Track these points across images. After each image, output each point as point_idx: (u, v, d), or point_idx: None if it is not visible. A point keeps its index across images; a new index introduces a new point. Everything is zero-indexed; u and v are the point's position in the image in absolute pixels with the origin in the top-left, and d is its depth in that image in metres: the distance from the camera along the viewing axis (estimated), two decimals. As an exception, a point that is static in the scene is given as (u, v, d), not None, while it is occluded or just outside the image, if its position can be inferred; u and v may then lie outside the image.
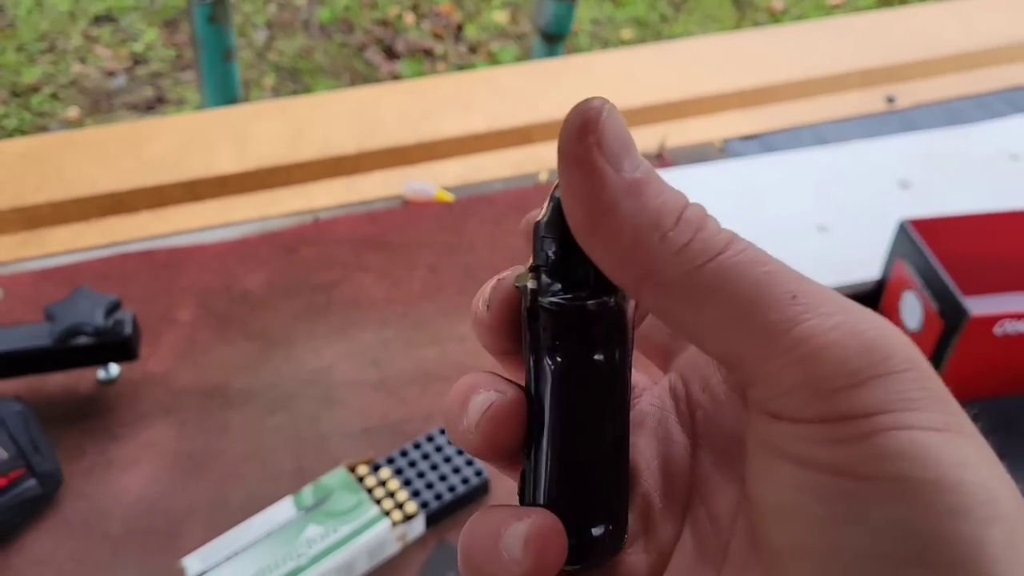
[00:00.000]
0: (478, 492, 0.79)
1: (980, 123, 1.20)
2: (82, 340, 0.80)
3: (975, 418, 0.25)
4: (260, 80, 2.71)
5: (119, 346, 0.81)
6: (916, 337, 0.88)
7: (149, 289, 0.95)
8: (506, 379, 0.29)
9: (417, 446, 0.80)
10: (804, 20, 3.03)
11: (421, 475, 0.78)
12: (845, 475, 0.23)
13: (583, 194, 0.25)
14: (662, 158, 1.13)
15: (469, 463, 0.79)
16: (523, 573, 0.26)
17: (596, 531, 0.28)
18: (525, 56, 2.83)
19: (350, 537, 0.72)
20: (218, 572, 0.70)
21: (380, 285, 0.96)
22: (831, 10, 3.12)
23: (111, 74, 2.71)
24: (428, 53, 2.88)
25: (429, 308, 0.95)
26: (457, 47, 2.92)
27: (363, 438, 0.83)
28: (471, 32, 2.97)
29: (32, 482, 0.75)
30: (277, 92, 2.68)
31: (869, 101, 1.24)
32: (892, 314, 0.92)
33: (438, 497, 0.76)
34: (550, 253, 0.27)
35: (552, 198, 0.27)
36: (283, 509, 0.74)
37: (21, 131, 2.48)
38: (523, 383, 0.29)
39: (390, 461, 0.79)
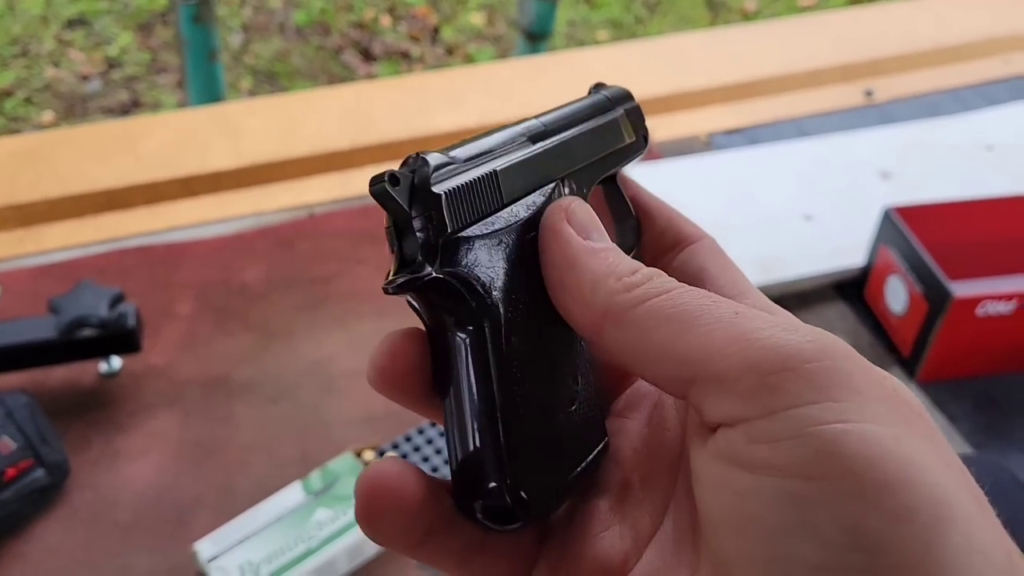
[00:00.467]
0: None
1: (956, 115, 1.24)
2: (87, 332, 0.81)
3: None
4: (237, 83, 2.71)
5: (123, 338, 0.82)
6: (901, 320, 0.90)
7: (148, 284, 0.96)
8: (415, 330, 0.31)
9: (421, 431, 0.81)
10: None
11: (426, 459, 0.79)
12: (795, 476, 0.23)
13: (554, 252, 0.31)
14: (649, 151, 1.15)
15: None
16: (358, 510, 0.28)
17: (491, 486, 0.29)
18: (502, 57, 2.85)
19: (359, 520, 0.73)
20: (230, 555, 0.71)
21: (378, 277, 0.98)
22: (803, 12, 3.17)
23: (85, 78, 2.70)
24: (405, 55, 2.89)
25: (426, 299, 0.97)
26: (434, 49, 2.94)
27: (366, 425, 0.85)
28: (448, 34, 2.99)
29: (40, 472, 0.76)
30: (254, 95, 2.68)
31: (848, 95, 1.28)
32: (878, 298, 0.94)
33: (444, 480, 0.78)
34: (393, 248, 0.30)
35: (388, 210, 0.30)
36: (292, 494, 0.75)
37: (-4, 135, 2.47)
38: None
39: (395, 447, 0.80)
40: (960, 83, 1.31)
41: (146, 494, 0.78)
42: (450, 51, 2.94)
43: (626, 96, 0.41)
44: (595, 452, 0.32)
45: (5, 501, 0.73)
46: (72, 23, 2.88)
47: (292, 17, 2.96)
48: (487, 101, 1.18)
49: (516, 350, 0.30)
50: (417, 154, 0.31)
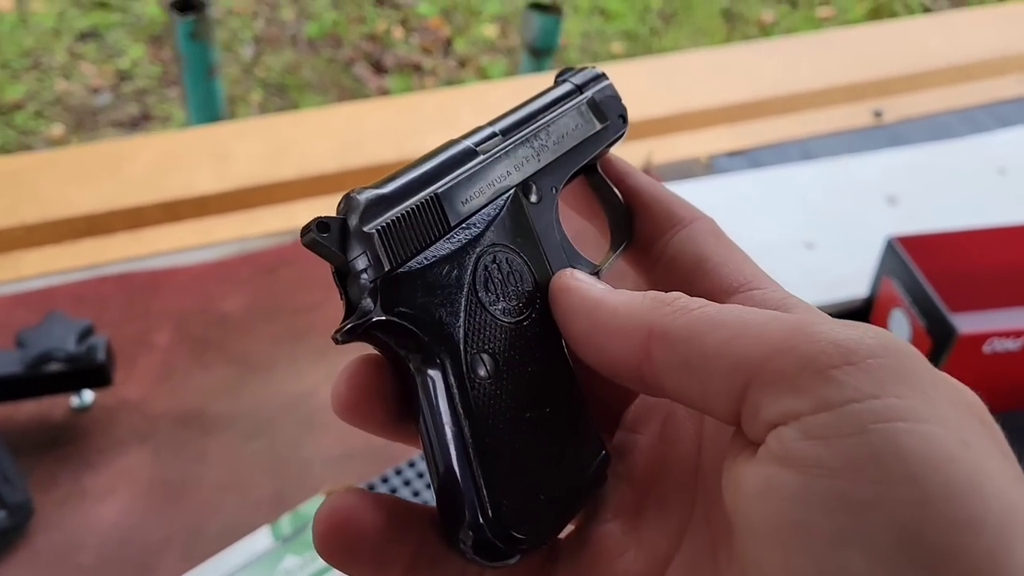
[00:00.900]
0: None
1: (967, 137, 1.20)
2: (54, 367, 0.78)
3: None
4: (247, 96, 2.70)
5: (92, 372, 0.79)
6: (905, 356, 0.86)
7: (126, 312, 0.93)
8: (376, 356, 0.30)
9: (399, 472, 0.78)
10: (794, 33, 3.04)
11: (416, 494, 0.76)
12: (851, 478, 0.21)
13: (573, 302, 0.30)
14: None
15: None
16: (316, 537, 0.28)
17: (471, 522, 0.28)
18: (515, 70, 2.83)
19: (328, 568, 0.70)
20: (192, 606, 0.68)
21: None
22: (821, 23, 3.12)
23: (96, 91, 2.70)
24: (417, 68, 2.87)
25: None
26: (446, 61, 2.92)
27: (345, 463, 0.82)
28: (460, 46, 2.97)
29: (1, 514, 0.73)
30: (264, 108, 2.67)
31: (856, 115, 1.24)
32: (881, 332, 0.90)
33: (419, 525, 0.75)
34: (341, 297, 0.30)
35: (323, 257, 0.30)
36: (260, 539, 0.72)
37: (4, 149, 2.47)
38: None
39: (384, 480, 0.77)
40: (972, 103, 1.26)
41: (112, 536, 0.76)
42: (462, 63, 2.92)
43: (595, 77, 0.39)
44: (592, 469, 0.30)
45: (-38, 545, 0.71)
46: (84, 36, 2.88)
47: (304, 29, 2.95)
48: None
49: (481, 378, 0.29)
50: (347, 194, 0.29)
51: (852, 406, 0.22)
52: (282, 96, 2.73)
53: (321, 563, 0.70)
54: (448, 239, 0.30)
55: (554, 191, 0.35)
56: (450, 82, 2.83)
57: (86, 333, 0.80)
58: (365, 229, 0.28)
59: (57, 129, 2.56)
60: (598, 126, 0.38)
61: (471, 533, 0.28)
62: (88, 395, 0.84)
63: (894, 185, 1.10)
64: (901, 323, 0.87)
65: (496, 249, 0.31)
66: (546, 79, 0.42)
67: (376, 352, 0.30)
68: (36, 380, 0.79)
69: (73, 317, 0.81)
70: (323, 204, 1.07)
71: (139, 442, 0.82)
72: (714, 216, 0.35)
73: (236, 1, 3.03)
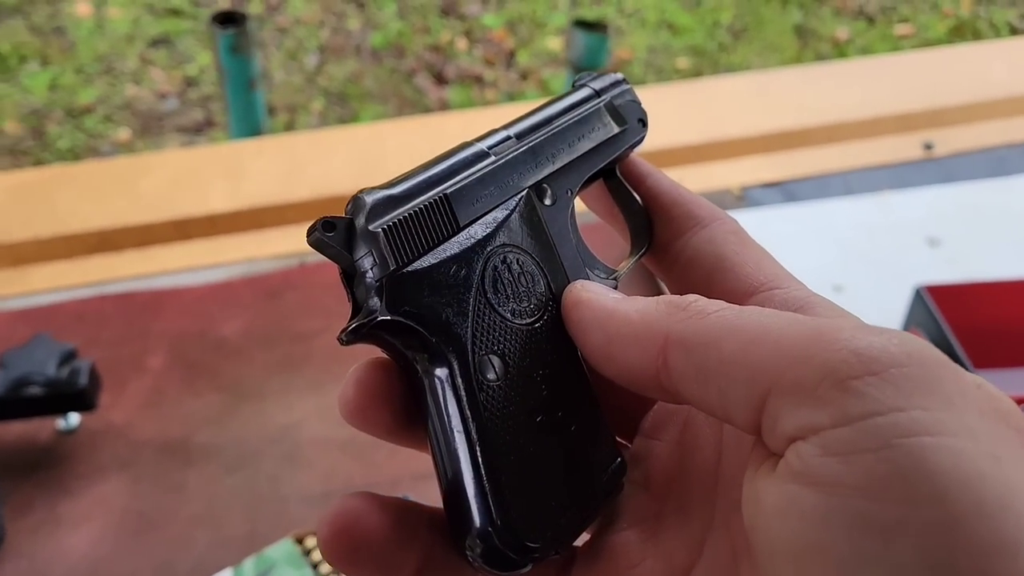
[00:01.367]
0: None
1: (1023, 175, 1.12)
2: (33, 390, 0.77)
3: None
4: (308, 105, 2.72)
5: (74, 397, 0.78)
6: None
7: (124, 333, 0.92)
8: (383, 360, 0.30)
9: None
10: (869, 52, 2.93)
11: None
12: (874, 498, 0.19)
13: (586, 314, 0.29)
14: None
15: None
16: (320, 540, 0.27)
17: (479, 530, 0.27)
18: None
19: (287, 617, 0.68)
20: (143, 649, 0.66)
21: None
22: (898, 41, 3.01)
23: (163, 96, 2.74)
24: (478, 79, 2.85)
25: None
26: (508, 74, 2.90)
27: (324, 502, 0.79)
28: (523, 59, 2.94)
29: (-30, 540, 0.72)
30: (324, 117, 2.68)
31: (905, 147, 1.16)
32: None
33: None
34: (348, 297, 0.29)
35: (329, 257, 0.29)
36: (222, 582, 0.70)
37: (73, 152, 2.52)
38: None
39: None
40: (1034, 137, 1.18)
41: (80, 567, 0.74)
42: (524, 76, 2.89)
43: (616, 82, 0.38)
44: (607, 476, 0.30)
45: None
46: (156, 42, 2.94)
47: (369, 39, 2.96)
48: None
49: (490, 380, 0.29)
50: (356, 194, 0.29)
51: (875, 419, 0.20)
52: (343, 105, 2.74)
53: (283, 610, 0.68)
54: (457, 239, 0.30)
55: (569, 194, 0.35)
56: (511, 94, 2.81)
57: (68, 357, 0.79)
58: (371, 228, 0.28)
59: (124, 133, 2.61)
60: (616, 130, 0.37)
61: (479, 541, 0.27)
62: (74, 418, 0.83)
63: (938, 225, 1.02)
64: (926, 380, 0.80)
65: (507, 250, 0.31)
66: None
67: (384, 356, 0.30)
68: (17, 403, 0.78)
69: (58, 340, 0.80)
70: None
71: (119, 469, 0.81)
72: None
73: (304, 10, 3.05)
